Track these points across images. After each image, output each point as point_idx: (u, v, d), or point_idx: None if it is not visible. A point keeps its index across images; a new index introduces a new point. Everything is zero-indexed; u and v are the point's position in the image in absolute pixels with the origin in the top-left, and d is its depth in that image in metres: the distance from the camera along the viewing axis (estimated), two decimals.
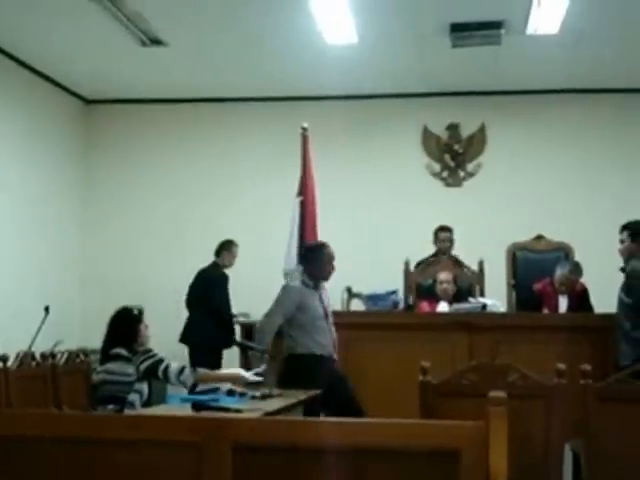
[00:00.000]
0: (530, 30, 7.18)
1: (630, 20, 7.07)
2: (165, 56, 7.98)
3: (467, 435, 2.31)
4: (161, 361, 4.86)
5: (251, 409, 4.21)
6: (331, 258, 5.77)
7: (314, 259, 5.77)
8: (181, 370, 4.82)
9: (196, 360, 7.64)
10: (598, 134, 8.93)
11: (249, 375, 4.90)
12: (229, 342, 7.51)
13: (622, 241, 5.72)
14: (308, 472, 2.39)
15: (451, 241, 7.74)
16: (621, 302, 5.52)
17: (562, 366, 3.94)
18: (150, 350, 4.94)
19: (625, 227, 5.73)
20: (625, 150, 8.89)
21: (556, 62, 8.05)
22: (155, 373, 4.82)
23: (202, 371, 5.08)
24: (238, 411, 4.07)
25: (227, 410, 4.08)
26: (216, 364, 7.63)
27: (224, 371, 5.67)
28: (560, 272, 6.78)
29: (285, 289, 5.80)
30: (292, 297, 5.65)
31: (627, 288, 5.50)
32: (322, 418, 4.57)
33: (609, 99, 8.91)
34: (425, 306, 6.90)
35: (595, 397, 3.84)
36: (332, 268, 5.76)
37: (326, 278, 5.83)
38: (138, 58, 8.04)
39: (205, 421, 2.65)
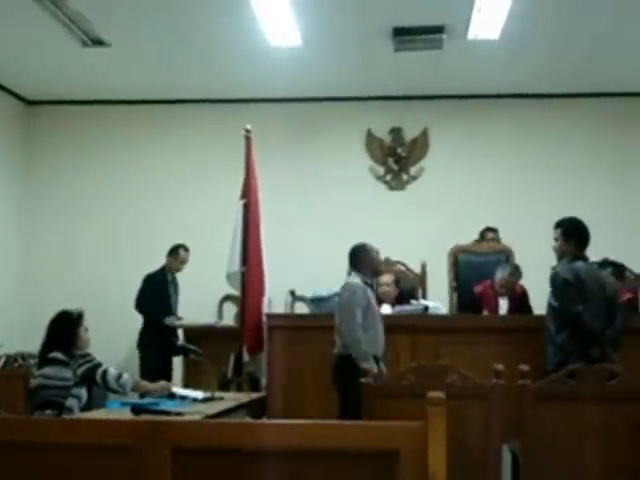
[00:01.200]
0: (471, 35, 7.28)
1: (568, 26, 7.21)
2: (107, 57, 7.88)
3: (406, 435, 2.33)
4: (99, 365, 4.81)
5: (192, 412, 4.20)
6: (377, 250, 5.91)
7: (364, 257, 5.81)
8: (120, 375, 4.79)
9: (142, 364, 7.58)
10: (538, 137, 9.06)
11: (179, 390, 4.97)
12: (170, 346, 7.43)
13: (556, 239, 5.52)
14: (248, 474, 2.39)
15: (498, 241, 7.82)
16: (549, 305, 5.46)
17: (500, 367, 3.99)
18: (88, 354, 4.89)
19: (559, 225, 5.54)
20: (564, 153, 9.02)
21: (497, 67, 8.16)
22: (93, 378, 4.76)
23: (138, 380, 5.10)
24: (179, 414, 4.05)
25: (167, 413, 4.06)
26: (163, 368, 7.54)
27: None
28: (500, 274, 6.87)
29: (350, 286, 5.64)
30: (361, 292, 5.58)
31: (554, 291, 5.47)
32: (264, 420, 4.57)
33: (549, 103, 9.05)
34: None
35: (532, 397, 3.87)
36: (381, 260, 6.02)
37: (378, 270, 6.07)
38: (79, 58, 7.92)
39: (144, 424, 2.63)
